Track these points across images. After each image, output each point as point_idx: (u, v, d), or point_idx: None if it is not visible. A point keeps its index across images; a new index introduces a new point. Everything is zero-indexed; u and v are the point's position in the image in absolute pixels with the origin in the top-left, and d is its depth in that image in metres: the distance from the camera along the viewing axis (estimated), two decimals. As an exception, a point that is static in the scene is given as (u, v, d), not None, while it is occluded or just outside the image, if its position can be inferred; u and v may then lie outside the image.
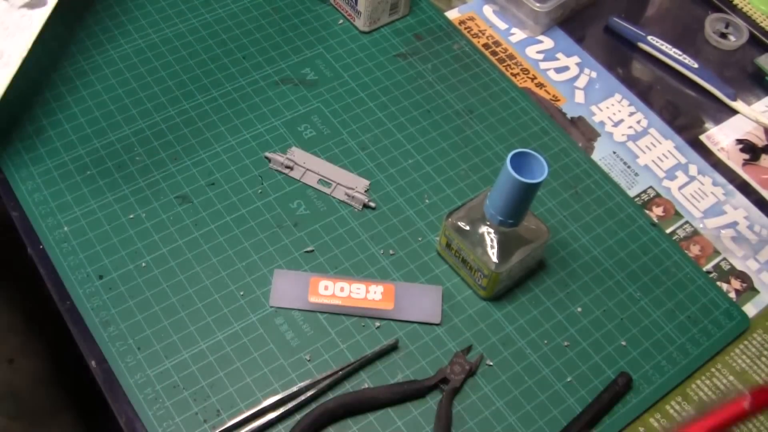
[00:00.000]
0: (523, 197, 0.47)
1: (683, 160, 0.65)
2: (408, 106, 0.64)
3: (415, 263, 0.55)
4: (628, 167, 0.64)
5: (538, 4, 0.69)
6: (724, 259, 0.59)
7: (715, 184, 0.64)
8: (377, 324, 0.52)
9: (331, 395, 0.49)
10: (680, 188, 0.63)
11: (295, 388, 0.48)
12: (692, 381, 0.53)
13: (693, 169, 0.64)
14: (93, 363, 0.49)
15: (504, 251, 0.51)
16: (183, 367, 0.49)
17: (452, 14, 0.73)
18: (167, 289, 0.52)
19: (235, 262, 0.54)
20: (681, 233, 0.60)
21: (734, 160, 0.66)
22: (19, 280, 0.74)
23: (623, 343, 0.53)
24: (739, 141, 0.67)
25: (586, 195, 0.61)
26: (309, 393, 0.48)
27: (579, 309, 0.55)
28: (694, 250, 0.59)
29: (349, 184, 0.58)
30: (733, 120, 0.69)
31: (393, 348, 0.51)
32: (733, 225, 0.61)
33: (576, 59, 0.71)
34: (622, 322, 0.54)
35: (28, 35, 0.58)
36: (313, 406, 0.48)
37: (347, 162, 0.60)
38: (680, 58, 0.70)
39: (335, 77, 0.65)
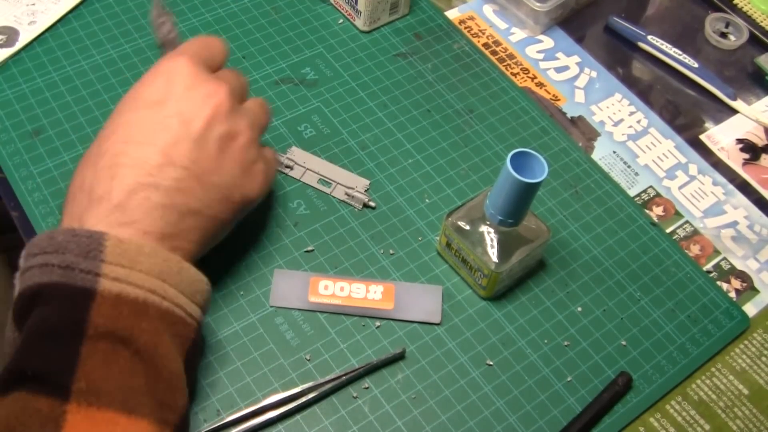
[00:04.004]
0: (523, 197, 0.47)
1: (683, 160, 0.65)
2: (408, 105, 0.64)
3: (415, 263, 0.55)
4: (628, 167, 0.64)
5: (538, 4, 0.69)
6: (725, 258, 0.59)
7: (715, 183, 0.64)
8: (377, 324, 0.52)
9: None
10: (680, 188, 0.63)
11: (298, 389, 0.48)
12: (692, 381, 0.53)
13: (693, 169, 0.64)
14: (93, 362, 0.49)
15: (504, 251, 0.51)
16: (183, 366, 0.49)
17: (452, 14, 0.73)
18: (167, 288, 0.52)
19: (235, 261, 0.54)
20: (681, 233, 0.60)
21: (734, 160, 0.66)
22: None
23: (623, 342, 0.53)
24: (739, 140, 0.67)
25: (586, 194, 0.61)
26: (311, 395, 0.48)
27: (579, 308, 0.55)
28: (694, 250, 0.59)
29: (349, 184, 0.58)
30: (733, 119, 0.69)
31: (400, 357, 0.51)
32: (734, 224, 0.61)
33: (576, 59, 0.71)
34: (622, 321, 0.54)
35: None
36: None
37: (347, 161, 0.60)
38: (680, 57, 0.70)
39: (335, 77, 0.65)
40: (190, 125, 0.44)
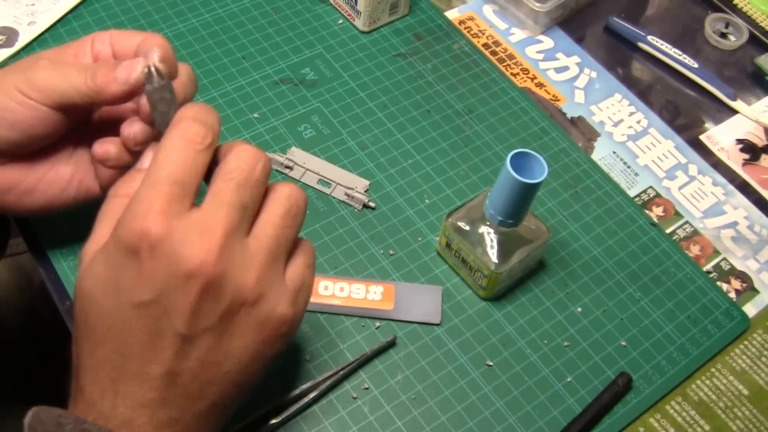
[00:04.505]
0: (523, 197, 0.47)
1: (683, 160, 0.65)
2: (408, 106, 0.64)
3: (415, 263, 0.55)
4: (628, 167, 0.64)
5: (537, 4, 0.69)
6: (724, 259, 0.59)
7: (715, 183, 0.64)
8: (377, 324, 0.52)
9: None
10: (680, 188, 0.63)
11: (297, 391, 0.48)
12: (692, 381, 0.53)
13: (693, 169, 0.64)
14: (93, 363, 0.49)
15: (504, 251, 0.51)
16: (183, 367, 0.49)
17: (452, 14, 0.73)
18: (167, 289, 0.52)
19: (235, 262, 0.54)
20: (681, 233, 0.60)
21: (734, 160, 0.66)
22: (33, 287, 0.74)
23: (623, 343, 0.53)
24: (739, 141, 0.67)
25: (586, 195, 0.61)
26: (311, 395, 0.48)
27: (579, 309, 0.55)
28: (694, 250, 0.59)
29: (348, 184, 0.58)
30: (733, 120, 0.69)
31: (391, 345, 0.51)
32: (733, 225, 0.61)
33: (576, 59, 0.71)
34: (622, 322, 0.54)
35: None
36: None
37: (347, 162, 0.60)
38: (680, 57, 0.70)
39: (335, 77, 0.65)
40: (176, 324, 0.35)
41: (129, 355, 0.35)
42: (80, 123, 0.46)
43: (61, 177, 0.46)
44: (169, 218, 0.34)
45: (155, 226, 0.34)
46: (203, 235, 0.34)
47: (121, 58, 0.44)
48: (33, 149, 0.45)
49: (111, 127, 0.46)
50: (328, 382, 0.49)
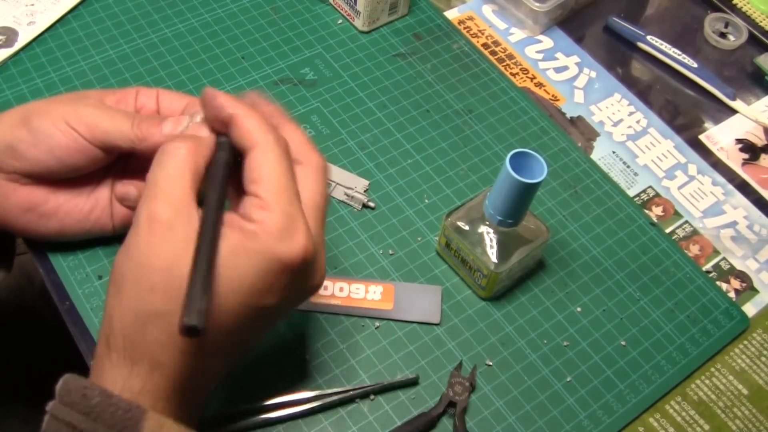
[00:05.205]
0: (523, 197, 0.47)
1: (683, 160, 0.65)
2: (407, 105, 0.64)
3: (414, 263, 0.55)
4: (628, 167, 0.64)
5: (537, 4, 0.69)
6: (724, 258, 0.59)
7: (714, 183, 0.64)
8: (377, 324, 0.52)
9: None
10: (680, 188, 0.63)
11: (299, 396, 0.48)
12: (692, 381, 0.53)
13: (692, 169, 0.64)
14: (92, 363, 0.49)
15: (503, 251, 0.51)
16: (182, 367, 0.49)
17: (451, 14, 0.73)
18: (166, 289, 0.52)
19: (235, 262, 0.54)
20: (680, 233, 0.60)
21: (734, 160, 0.66)
22: (34, 287, 0.74)
23: (623, 343, 0.53)
24: (739, 140, 0.67)
25: (585, 195, 0.61)
26: (315, 404, 0.48)
27: (578, 309, 0.55)
28: (694, 250, 0.59)
29: (348, 184, 0.58)
30: (733, 120, 0.69)
31: (413, 383, 0.50)
32: (733, 225, 0.61)
33: (575, 59, 0.71)
34: (622, 321, 0.54)
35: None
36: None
37: (346, 162, 0.60)
38: (679, 57, 0.71)
39: (334, 77, 0.65)
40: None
41: None
42: (107, 164, 0.48)
43: (80, 209, 0.49)
44: None
45: None
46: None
47: (165, 116, 0.47)
48: (61, 177, 0.47)
49: (134, 173, 0.50)
50: (336, 398, 0.48)
